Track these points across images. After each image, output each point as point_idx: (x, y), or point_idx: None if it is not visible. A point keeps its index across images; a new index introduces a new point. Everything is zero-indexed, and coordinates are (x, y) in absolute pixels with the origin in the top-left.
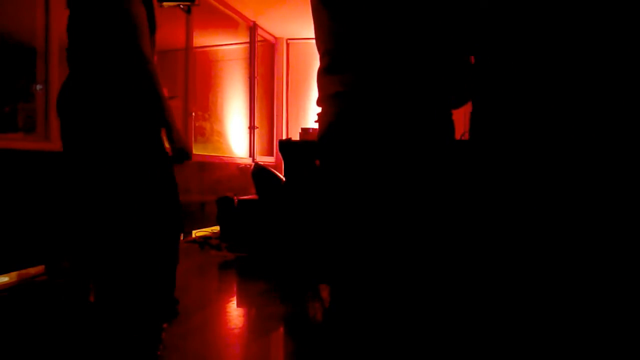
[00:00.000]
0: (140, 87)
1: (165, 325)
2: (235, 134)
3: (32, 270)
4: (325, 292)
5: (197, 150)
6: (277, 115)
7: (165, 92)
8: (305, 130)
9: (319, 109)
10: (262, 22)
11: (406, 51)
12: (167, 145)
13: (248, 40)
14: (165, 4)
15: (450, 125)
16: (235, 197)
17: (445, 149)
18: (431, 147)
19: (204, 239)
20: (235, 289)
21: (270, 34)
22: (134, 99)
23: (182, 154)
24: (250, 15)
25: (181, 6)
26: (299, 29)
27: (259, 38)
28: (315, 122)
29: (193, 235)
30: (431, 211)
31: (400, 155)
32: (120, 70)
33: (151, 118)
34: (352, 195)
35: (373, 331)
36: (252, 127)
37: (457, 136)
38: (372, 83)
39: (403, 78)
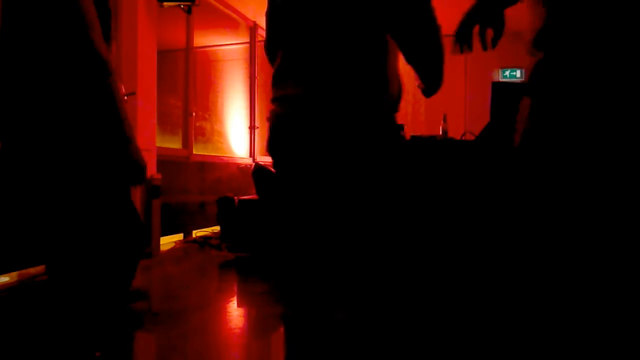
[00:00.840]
0: (94, 96)
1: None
2: (235, 134)
3: (32, 270)
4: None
5: (197, 150)
6: None
7: (122, 89)
8: None
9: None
10: (262, 22)
11: (345, 55)
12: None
13: (248, 40)
14: (165, 3)
15: (389, 124)
16: (235, 197)
17: (382, 147)
18: (366, 147)
19: (204, 239)
20: (235, 289)
21: None
22: (84, 107)
23: (138, 173)
24: (250, 15)
25: (181, 6)
26: None
27: (259, 38)
28: (267, 119)
29: (193, 235)
30: (361, 208)
31: (338, 157)
32: (67, 74)
33: (106, 130)
34: (296, 195)
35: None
36: (252, 127)
37: (458, 136)
38: (312, 88)
39: (340, 81)
